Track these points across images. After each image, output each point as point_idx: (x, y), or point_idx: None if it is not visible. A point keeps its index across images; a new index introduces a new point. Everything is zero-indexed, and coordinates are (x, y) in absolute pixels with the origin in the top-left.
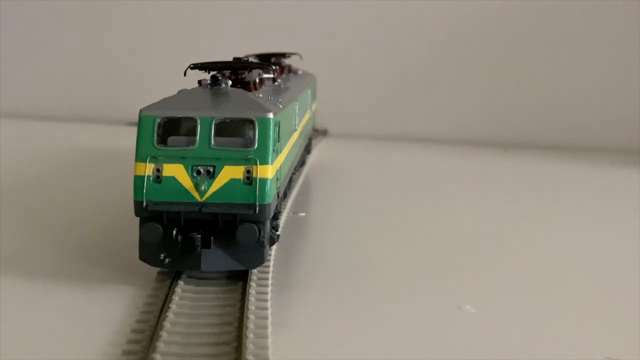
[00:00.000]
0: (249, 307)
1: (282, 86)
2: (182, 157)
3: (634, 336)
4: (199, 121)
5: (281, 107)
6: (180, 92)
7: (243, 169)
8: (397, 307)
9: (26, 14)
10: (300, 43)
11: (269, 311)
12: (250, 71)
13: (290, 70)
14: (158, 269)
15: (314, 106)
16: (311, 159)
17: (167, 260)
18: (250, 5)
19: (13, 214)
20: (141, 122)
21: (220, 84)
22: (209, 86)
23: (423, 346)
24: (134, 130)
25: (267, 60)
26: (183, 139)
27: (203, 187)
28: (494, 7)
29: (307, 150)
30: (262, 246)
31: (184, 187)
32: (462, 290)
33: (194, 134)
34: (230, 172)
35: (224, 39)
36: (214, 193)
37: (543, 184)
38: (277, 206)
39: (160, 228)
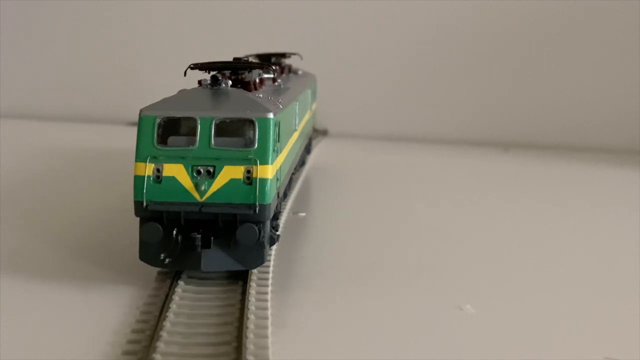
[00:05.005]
0: (249, 307)
1: (282, 86)
2: (182, 157)
3: (634, 336)
4: (199, 121)
5: (281, 107)
6: (180, 92)
7: (243, 169)
8: (397, 307)
9: (26, 14)
10: (300, 43)
11: (269, 311)
12: (250, 71)
13: (290, 70)
14: (158, 269)
15: (314, 106)
16: (311, 159)
17: (167, 260)
18: (250, 5)
19: (13, 214)
20: (141, 122)
21: (220, 84)
22: (209, 86)
23: (423, 346)
24: (134, 130)
25: (267, 60)
26: (183, 139)
27: (203, 187)
28: (493, 6)
29: (307, 150)
30: (262, 246)
31: (184, 187)
32: (463, 290)
33: (194, 134)
34: (231, 172)
35: (224, 39)
36: (214, 193)
37: (543, 184)
38: (277, 206)
39: (160, 228)
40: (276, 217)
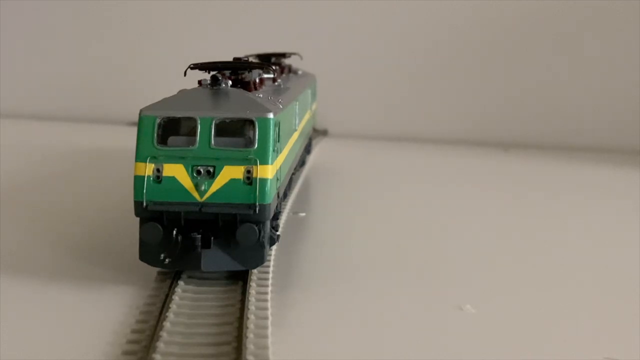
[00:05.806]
0: (249, 307)
1: (282, 86)
2: (182, 157)
3: (634, 336)
4: (199, 121)
5: (281, 107)
6: (180, 92)
7: (243, 169)
8: (397, 307)
9: (26, 14)
10: (300, 43)
11: (269, 311)
12: (250, 71)
13: (290, 70)
14: (158, 269)
15: (314, 106)
16: (311, 159)
17: (167, 260)
18: (250, 5)
19: (13, 214)
20: (141, 122)
21: (220, 84)
22: (209, 86)
23: (423, 346)
24: (134, 130)
25: (267, 60)
26: (183, 139)
27: (203, 187)
28: (493, 7)
29: (307, 150)
30: (262, 246)
31: (184, 187)
32: (462, 290)
33: (194, 134)
34: (231, 172)
35: (224, 39)
36: (214, 193)
37: (543, 184)
38: (277, 206)
39: (160, 228)
40: (276, 217)
